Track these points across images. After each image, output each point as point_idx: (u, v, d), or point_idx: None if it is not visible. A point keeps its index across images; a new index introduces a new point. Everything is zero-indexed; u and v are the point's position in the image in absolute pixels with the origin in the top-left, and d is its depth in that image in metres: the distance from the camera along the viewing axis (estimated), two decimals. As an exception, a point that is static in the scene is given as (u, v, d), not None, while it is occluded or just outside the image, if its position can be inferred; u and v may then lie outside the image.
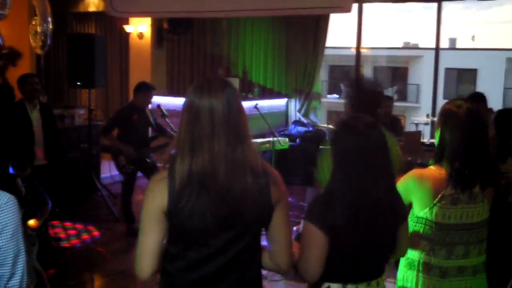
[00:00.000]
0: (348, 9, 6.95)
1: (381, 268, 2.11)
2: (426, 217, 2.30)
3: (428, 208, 2.28)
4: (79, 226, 6.29)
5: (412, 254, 2.37)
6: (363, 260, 2.02)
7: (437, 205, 2.26)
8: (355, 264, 2.02)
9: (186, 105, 1.85)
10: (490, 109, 5.24)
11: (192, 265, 1.85)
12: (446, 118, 2.32)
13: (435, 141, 2.41)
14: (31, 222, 3.97)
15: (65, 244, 5.67)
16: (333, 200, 1.97)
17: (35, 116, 5.56)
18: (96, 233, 6.10)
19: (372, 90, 3.01)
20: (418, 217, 2.33)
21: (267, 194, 1.85)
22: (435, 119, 2.68)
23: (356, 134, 1.99)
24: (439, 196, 2.26)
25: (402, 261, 2.44)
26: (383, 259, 2.10)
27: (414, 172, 2.37)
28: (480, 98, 5.15)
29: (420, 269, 2.34)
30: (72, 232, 6.06)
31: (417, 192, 2.30)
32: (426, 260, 2.33)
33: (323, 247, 1.96)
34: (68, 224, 6.23)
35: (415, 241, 2.35)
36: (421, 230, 2.33)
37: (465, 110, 2.29)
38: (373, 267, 2.07)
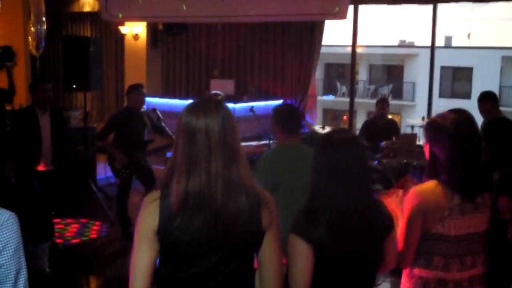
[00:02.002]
0: (343, 16, 6.98)
1: (371, 281, 2.14)
2: (439, 232, 2.25)
3: (439, 223, 2.24)
4: (74, 228, 6.29)
5: (425, 273, 2.29)
6: (350, 274, 2.05)
7: (448, 218, 2.23)
8: (342, 277, 2.05)
9: (181, 126, 1.84)
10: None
11: (180, 286, 1.86)
12: (433, 133, 2.29)
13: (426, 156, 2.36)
14: None
15: (59, 245, 5.62)
16: (316, 214, 2.01)
17: (44, 121, 5.50)
18: (92, 235, 6.12)
19: (295, 114, 3.52)
20: (430, 234, 2.26)
21: (258, 216, 1.85)
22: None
23: (334, 149, 2.04)
24: (448, 208, 2.22)
25: (408, 281, 2.36)
26: (371, 272, 2.13)
27: (416, 190, 2.28)
28: (492, 97, 5.23)
29: (436, 286, 2.28)
30: (68, 234, 6.07)
31: (425, 209, 2.23)
32: (441, 276, 2.28)
33: (309, 259, 1.99)
34: (62, 226, 6.22)
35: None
36: (435, 247, 2.27)
37: (452, 121, 2.24)
38: (361, 280, 2.10)
